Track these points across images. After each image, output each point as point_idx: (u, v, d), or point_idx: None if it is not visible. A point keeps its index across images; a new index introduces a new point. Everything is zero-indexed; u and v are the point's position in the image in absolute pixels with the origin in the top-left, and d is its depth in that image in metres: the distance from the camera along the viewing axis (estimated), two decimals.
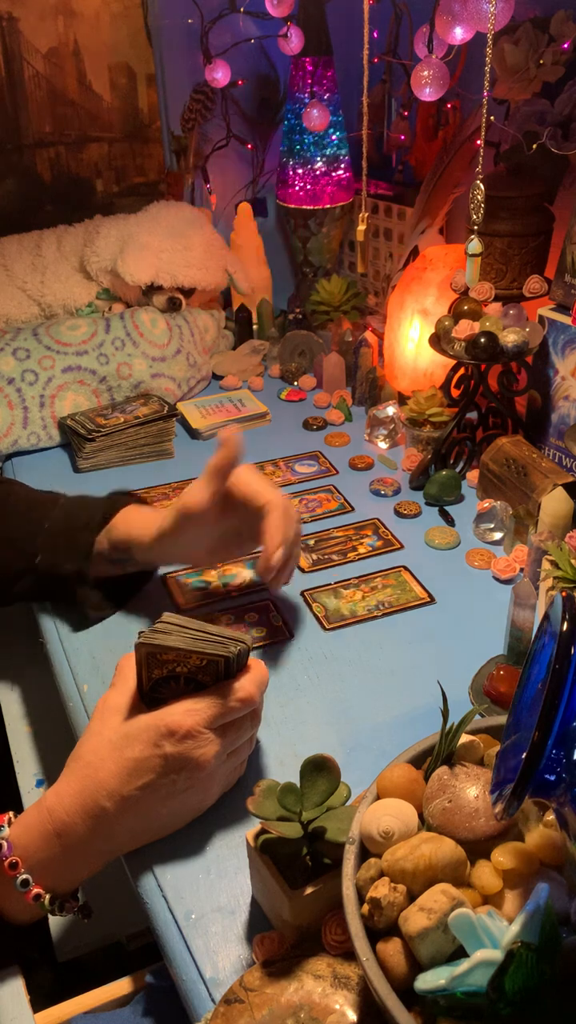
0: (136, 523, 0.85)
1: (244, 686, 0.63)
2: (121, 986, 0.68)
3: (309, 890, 0.55)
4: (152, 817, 0.62)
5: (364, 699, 0.77)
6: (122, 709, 0.64)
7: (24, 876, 0.59)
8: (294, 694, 0.78)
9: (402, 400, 1.20)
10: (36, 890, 0.59)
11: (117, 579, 0.88)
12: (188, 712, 0.61)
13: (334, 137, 1.36)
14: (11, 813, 0.62)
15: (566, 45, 1.00)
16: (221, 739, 0.62)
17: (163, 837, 0.64)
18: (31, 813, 0.61)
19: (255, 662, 0.66)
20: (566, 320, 1.01)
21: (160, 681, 0.63)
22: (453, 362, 1.07)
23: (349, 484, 1.10)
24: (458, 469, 1.09)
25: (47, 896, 0.59)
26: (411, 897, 0.47)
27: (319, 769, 0.57)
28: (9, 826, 0.61)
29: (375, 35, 1.27)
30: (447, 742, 0.54)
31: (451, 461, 1.10)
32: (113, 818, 0.60)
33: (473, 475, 1.07)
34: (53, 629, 0.87)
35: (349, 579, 0.93)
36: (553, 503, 0.85)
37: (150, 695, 0.64)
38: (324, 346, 1.36)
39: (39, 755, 0.95)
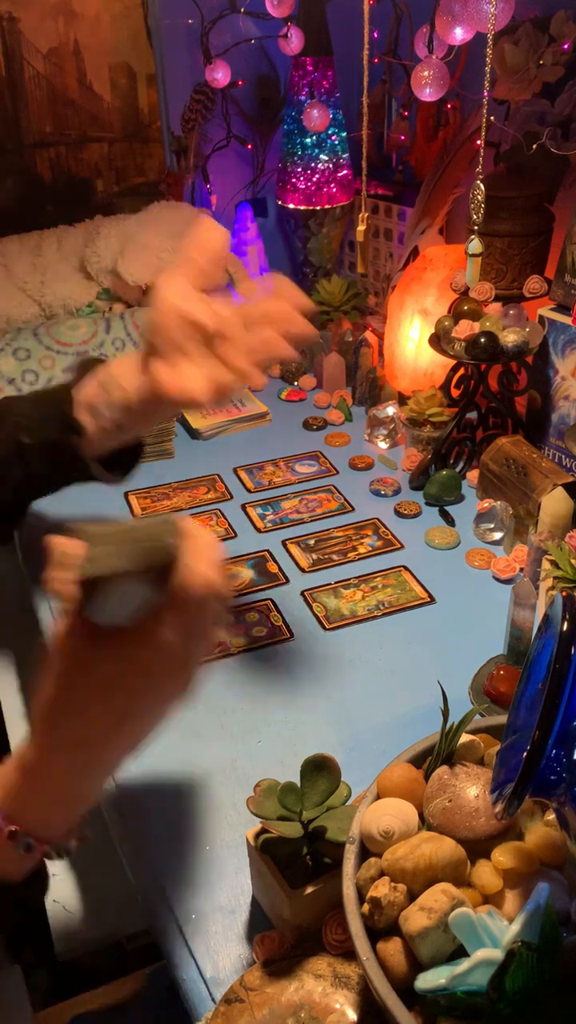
0: (110, 364, 0.83)
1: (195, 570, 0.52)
2: (121, 986, 0.68)
3: (309, 890, 0.55)
4: (113, 720, 0.54)
5: (364, 699, 0.78)
6: None
7: None
8: (294, 694, 0.78)
9: (402, 400, 1.20)
10: (10, 828, 0.52)
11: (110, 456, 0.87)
12: None
13: (334, 137, 1.36)
14: None
15: (566, 45, 1.00)
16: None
17: (139, 745, 0.56)
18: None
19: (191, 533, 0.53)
20: (566, 320, 1.01)
21: None
22: (453, 362, 1.07)
23: (349, 484, 1.10)
24: (458, 469, 1.09)
25: (24, 838, 0.53)
26: (411, 897, 0.47)
27: (319, 769, 0.57)
28: None
29: (375, 35, 1.27)
30: (447, 742, 0.54)
31: (451, 461, 1.10)
32: (71, 701, 0.53)
33: (473, 475, 1.08)
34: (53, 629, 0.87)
35: (349, 579, 0.93)
36: (553, 503, 0.85)
37: None
38: (324, 346, 1.36)
39: None
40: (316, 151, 1.36)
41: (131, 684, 0.53)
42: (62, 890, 0.84)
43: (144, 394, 0.79)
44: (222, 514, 1.04)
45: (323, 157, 1.37)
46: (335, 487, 1.09)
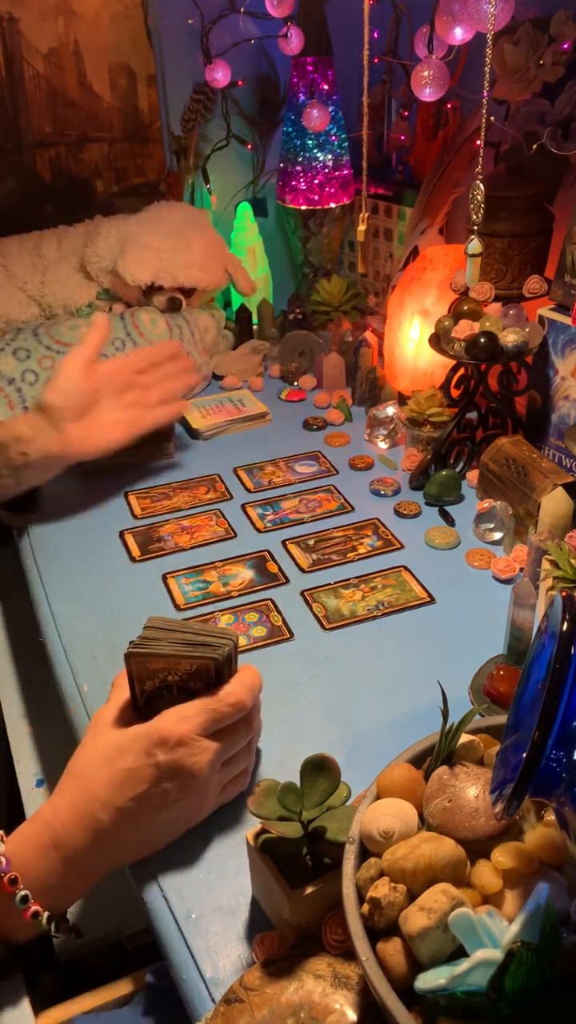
0: None
1: (234, 691, 0.63)
2: (121, 986, 0.68)
3: (309, 890, 0.55)
4: (147, 828, 0.62)
5: (364, 699, 0.78)
6: (115, 721, 0.63)
7: (24, 892, 0.58)
8: (294, 694, 0.78)
9: (402, 400, 1.20)
10: (35, 907, 0.58)
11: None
12: (179, 720, 0.61)
13: (334, 137, 1.36)
14: (1, 831, 0.61)
15: (566, 45, 1.00)
16: (214, 746, 0.62)
17: (159, 850, 0.64)
18: (27, 827, 0.61)
19: (246, 667, 0.66)
20: (566, 320, 1.01)
21: (153, 693, 0.63)
22: (453, 362, 1.07)
23: (349, 484, 1.10)
24: (458, 469, 1.09)
25: (45, 914, 0.59)
26: (411, 897, 0.47)
27: (319, 769, 0.57)
28: (3, 842, 0.60)
29: (375, 35, 1.27)
30: (447, 742, 0.54)
31: (451, 461, 1.10)
32: (108, 830, 0.60)
33: (473, 475, 1.07)
34: (53, 629, 0.87)
35: (349, 579, 0.93)
36: (553, 503, 0.85)
37: (145, 708, 0.64)
38: (324, 346, 1.36)
39: (39, 755, 0.95)
40: (316, 151, 1.36)
41: (170, 799, 0.61)
42: None
43: (44, 453, 0.94)
44: (222, 514, 1.04)
45: (323, 157, 1.37)
46: (335, 487, 1.09)
